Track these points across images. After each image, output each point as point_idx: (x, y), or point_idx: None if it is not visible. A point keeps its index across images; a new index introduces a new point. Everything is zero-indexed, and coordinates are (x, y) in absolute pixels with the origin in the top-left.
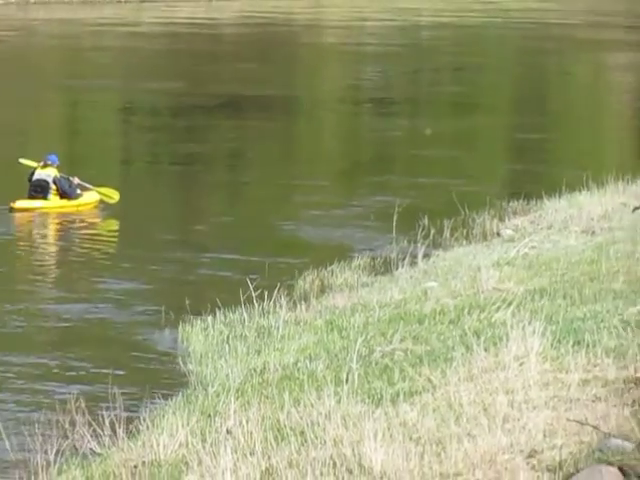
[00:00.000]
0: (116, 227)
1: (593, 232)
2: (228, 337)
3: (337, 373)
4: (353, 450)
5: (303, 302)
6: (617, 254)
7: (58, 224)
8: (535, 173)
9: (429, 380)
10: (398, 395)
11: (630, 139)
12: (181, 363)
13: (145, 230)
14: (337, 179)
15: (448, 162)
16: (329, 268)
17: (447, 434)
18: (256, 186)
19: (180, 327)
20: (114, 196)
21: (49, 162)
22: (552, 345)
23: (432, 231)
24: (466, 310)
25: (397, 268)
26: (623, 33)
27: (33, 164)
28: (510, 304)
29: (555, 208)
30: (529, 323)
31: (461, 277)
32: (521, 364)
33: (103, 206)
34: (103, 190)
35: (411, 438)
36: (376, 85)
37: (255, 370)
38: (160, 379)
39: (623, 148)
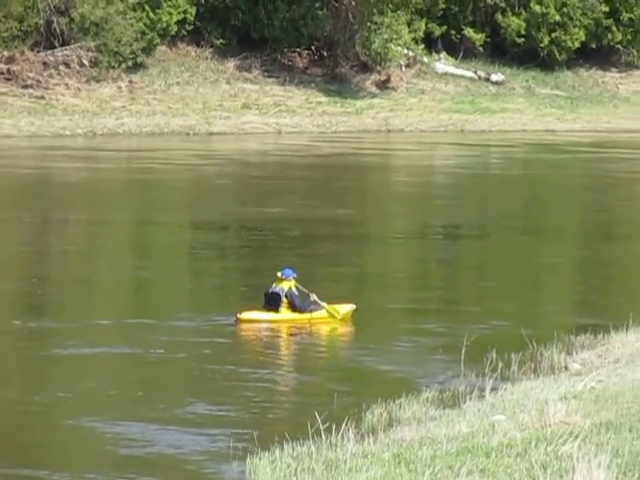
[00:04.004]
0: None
1: None
2: (296, 470)
3: None
4: None
5: (371, 435)
6: None
7: (261, 338)
8: (603, 306)
9: None
10: None
11: None
12: None
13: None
14: (408, 307)
15: (517, 293)
16: (397, 401)
17: None
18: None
19: (248, 459)
20: (336, 314)
21: (283, 277)
22: (617, 478)
23: (500, 364)
24: (533, 443)
25: (465, 401)
26: None
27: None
28: (577, 437)
29: (622, 342)
30: (595, 456)
31: (529, 410)
32: None
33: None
34: (332, 308)
35: None
36: (449, 213)
37: None
38: None
39: None
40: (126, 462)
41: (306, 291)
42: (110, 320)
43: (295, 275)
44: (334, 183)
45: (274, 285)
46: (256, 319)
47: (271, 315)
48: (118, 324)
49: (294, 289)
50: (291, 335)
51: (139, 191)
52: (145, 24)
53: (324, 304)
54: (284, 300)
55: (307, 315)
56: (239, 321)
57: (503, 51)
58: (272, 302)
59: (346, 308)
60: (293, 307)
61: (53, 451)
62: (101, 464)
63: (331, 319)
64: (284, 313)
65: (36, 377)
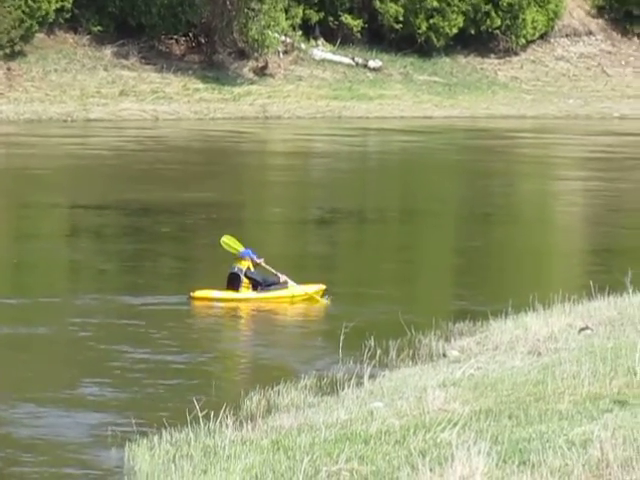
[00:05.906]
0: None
1: (539, 353)
2: (174, 456)
3: None
4: None
5: (249, 422)
6: (563, 375)
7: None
8: (482, 293)
9: None
10: None
11: (577, 258)
12: None
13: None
14: None
15: (397, 277)
16: (275, 388)
17: None
18: None
19: (127, 445)
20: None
21: (240, 256)
22: (497, 465)
23: (378, 351)
24: (412, 430)
25: (343, 388)
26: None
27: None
28: (456, 424)
29: (501, 329)
30: (474, 443)
31: (407, 398)
32: None
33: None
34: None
35: None
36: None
37: None
38: None
39: (570, 268)
40: (2, 443)
41: (275, 272)
42: (11, 299)
43: (251, 254)
44: (214, 168)
45: (233, 265)
46: (208, 297)
47: (224, 294)
48: (19, 303)
49: (253, 269)
50: (192, 317)
51: (45, 176)
52: (24, 12)
53: (294, 284)
54: (244, 280)
55: (262, 295)
56: (191, 299)
57: (381, 37)
58: (232, 282)
59: (314, 288)
60: (255, 284)
61: None
62: None
63: (289, 299)
64: (243, 292)
65: None
